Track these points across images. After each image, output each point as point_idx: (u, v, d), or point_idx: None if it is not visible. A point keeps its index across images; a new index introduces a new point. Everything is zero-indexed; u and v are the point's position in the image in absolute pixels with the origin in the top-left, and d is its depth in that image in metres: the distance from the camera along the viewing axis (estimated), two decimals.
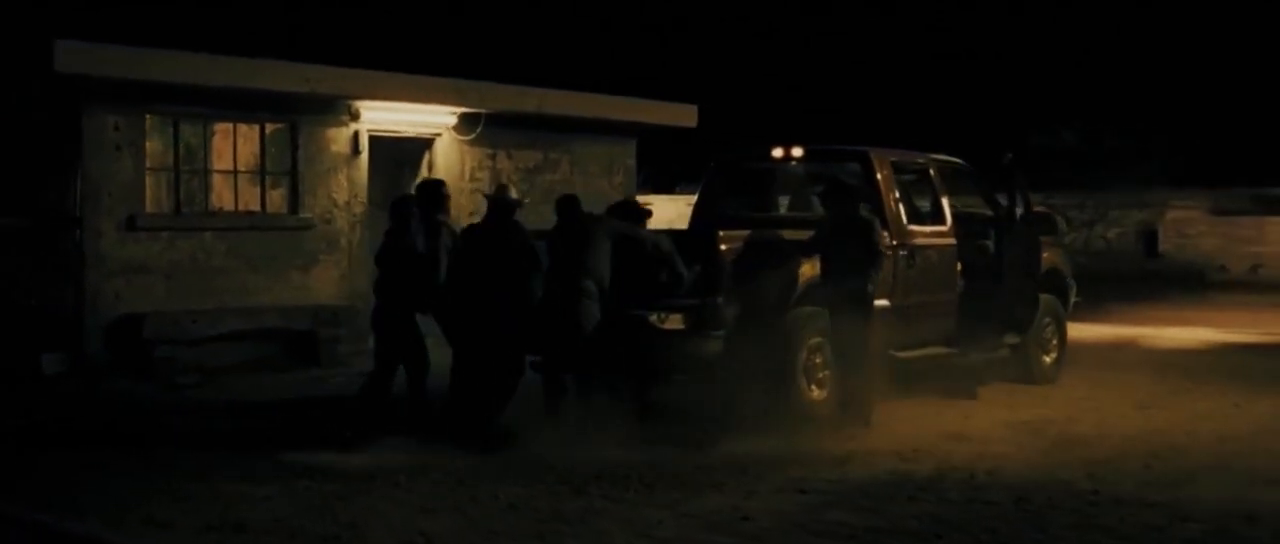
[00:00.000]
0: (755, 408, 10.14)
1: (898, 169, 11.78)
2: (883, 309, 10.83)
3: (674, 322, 9.85)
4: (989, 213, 12.62)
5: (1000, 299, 12.02)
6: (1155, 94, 45.72)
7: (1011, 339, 12.45)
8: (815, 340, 10.50)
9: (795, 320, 10.35)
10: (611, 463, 8.81)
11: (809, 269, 10.44)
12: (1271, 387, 12.73)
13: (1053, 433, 10.24)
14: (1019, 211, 12.40)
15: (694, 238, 10.52)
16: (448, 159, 15.49)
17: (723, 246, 9.91)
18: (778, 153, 12.08)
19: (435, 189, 10.33)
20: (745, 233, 10.28)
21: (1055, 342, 13.16)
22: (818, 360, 10.55)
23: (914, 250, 11.54)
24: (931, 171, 12.20)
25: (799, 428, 10.04)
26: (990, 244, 12.34)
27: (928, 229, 11.89)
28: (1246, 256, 36.27)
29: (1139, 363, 14.55)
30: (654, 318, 9.80)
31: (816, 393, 10.55)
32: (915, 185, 12.20)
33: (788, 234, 10.76)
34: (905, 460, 9.08)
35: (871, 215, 10.62)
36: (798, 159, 12.10)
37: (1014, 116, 43.10)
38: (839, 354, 10.33)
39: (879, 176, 11.49)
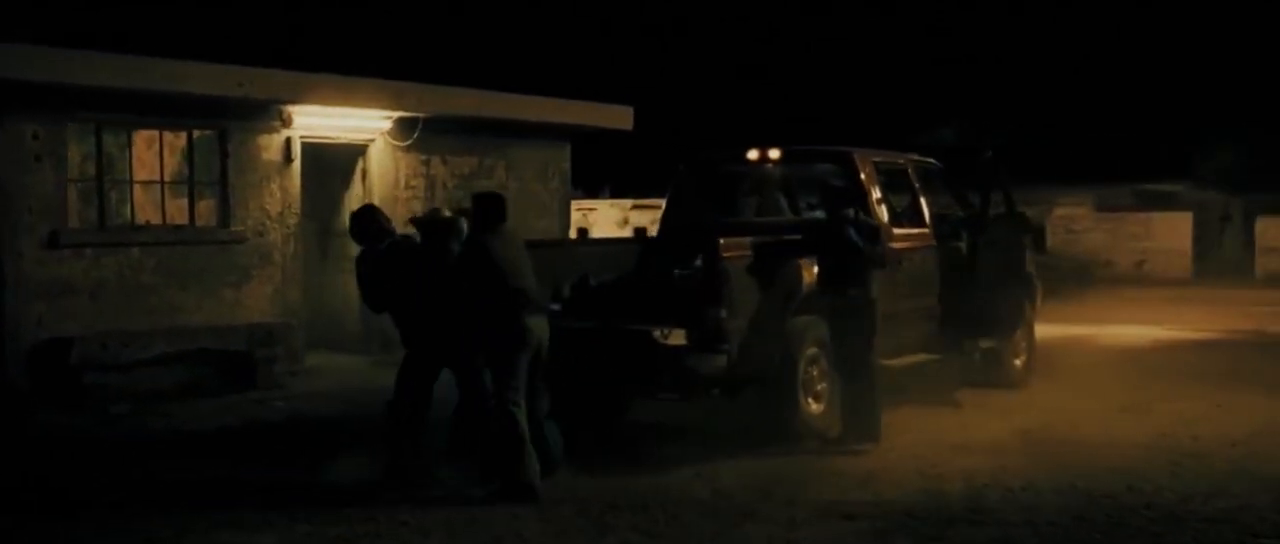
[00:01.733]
0: (756, 425, 9.69)
1: (879, 170, 11.36)
2: None
3: (676, 337, 9.25)
4: (960, 213, 12.31)
5: (982, 302, 11.67)
6: (1036, 93, 46.47)
7: (986, 343, 12.13)
8: (812, 351, 10.01)
9: (794, 331, 9.85)
10: (617, 491, 8.28)
11: (808, 276, 9.93)
12: (1238, 385, 12.69)
13: (1058, 441, 9.96)
14: (994, 211, 12.13)
15: (685, 244, 9.94)
16: (382, 166, 14.70)
17: (726, 255, 9.33)
18: (753, 154, 11.58)
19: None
20: (747, 240, 9.72)
21: (1025, 345, 12.88)
22: (815, 372, 10.07)
23: (898, 254, 11.12)
24: (910, 171, 11.81)
25: (798, 445, 9.63)
26: (963, 245, 12.01)
27: (910, 231, 11.50)
28: (1132, 252, 36.94)
29: (1096, 364, 14.40)
30: (658, 334, 9.19)
31: (814, 407, 10.07)
32: (894, 186, 11.81)
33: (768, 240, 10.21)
34: (929, 478, 8.66)
35: (870, 219, 10.17)
36: (774, 160, 11.59)
37: (896, 116, 43.44)
38: (840, 366, 9.84)
39: (863, 177, 11.06)
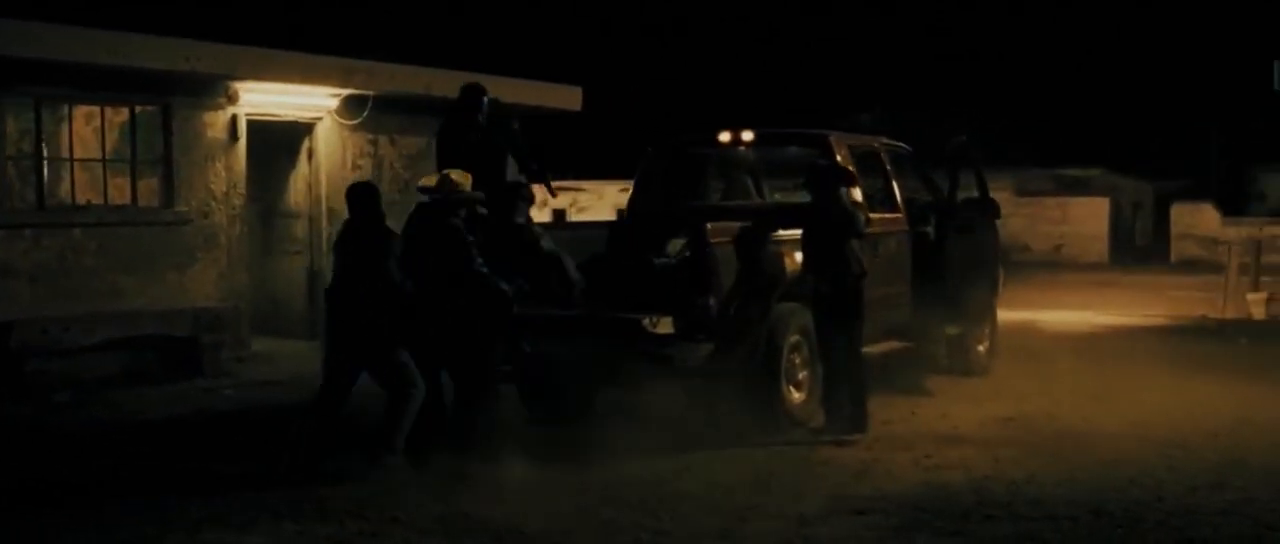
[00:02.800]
0: (737, 413, 9.46)
1: (853, 153, 11.15)
2: None
3: (664, 325, 8.97)
4: (928, 197, 12.18)
5: (955, 288, 11.55)
6: (954, 79, 46.85)
7: (954, 329, 12.03)
8: (795, 338, 9.80)
9: (778, 317, 9.61)
10: (607, 484, 7.98)
11: (791, 262, 9.70)
12: (1194, 372, 12.75)
13: (1042, 430, 9.84)
14: (963, 196, 12.02)
15: (661, 229, 9.65)
16: (329, 145, 14.23)
17: (713, 241, 9.06)
18: (725, 137, 11.31)
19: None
20: (734, 224, 9.45)
21: (988, 330, 12.80)
22: (797, 360, 9.86)
23: (874, 240, 10.92)
24: (882, 155, 11.63)
25: (780, 434, 9.43)
26: (931, 230, 11.87)
27: (884, 216, 11.31)
28: (1050, 237, 37.37)
29: (1049, 351, 14.38)
30: (647, 322, 8.90)
31: (796, 395, 9.87)
32: (867, 170, 11.60)
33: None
34: (926, 470, 8.48)
35: (855, 202, 9.95)
36: (747, 143, 11.34)
37: (816, 101, 43.55)
38: (826, 354, 9.62)
39: (838, 160, 10.82)
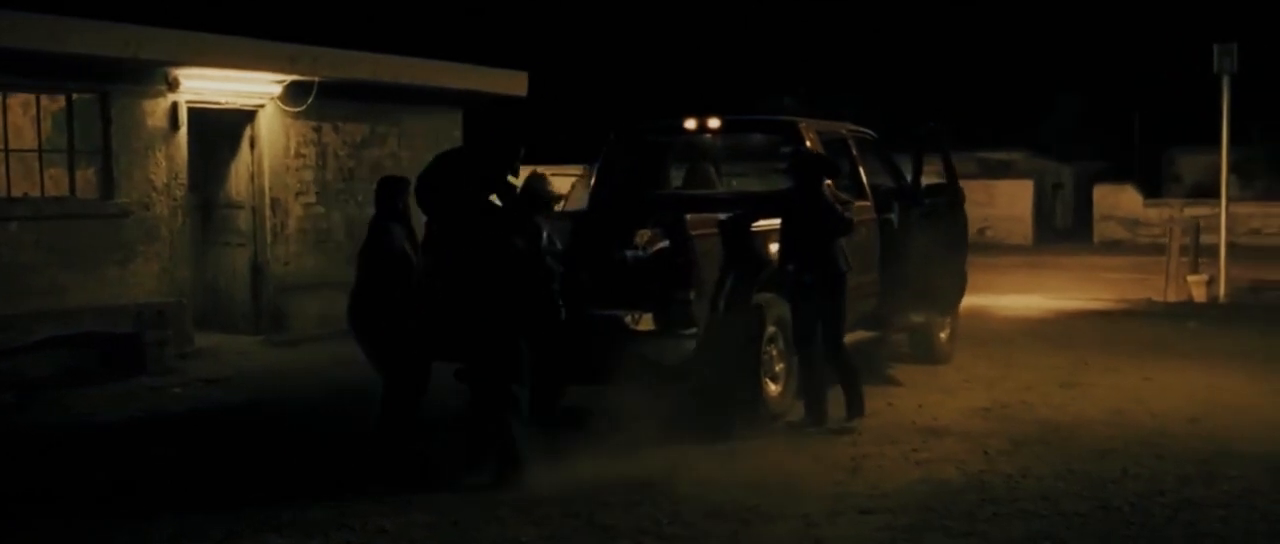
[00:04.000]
0: (717, 409, 9.23)
1: (822, 139, 10.93)
2: None
3: (645, 322, 8.70)
4: (891, 183, 12.00)
5: (920, 276, 11.39)
6: (876, 60, 47.01)
7: (918, 318, 11.88)
8: (771, 330, 9.57)
9: (757, 310, 9.38)
10: (596, 487, 7.70)
11: (770, 252, 9.47)
12: (1156, 356, 12.77)
13: (1023, 420, 9.73)
14: (928, 183, 11.85)
15: (629, 219, 9.34)
16: (272, 133, 13.76)
17: (693, 233, 8.79)
18: (691, 124, 11.04)
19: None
20: (713, 216, 9.19)
21: (950, 318, 12.67)
22: (773, 352, 9.65)
23: None
24: (849, 142, 11.43)
25: (760, 429, 9.22)
26: (894, 218, 11.69)
27: (855, 205, 11.09)
28: (975, 220, 37.45)
29: (1006, 337, 14.35)
30: (628, 318, 8.62)
31: (773, 388, 9.66)
32: (836, 158, 11.39)
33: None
34: (919, 465, 8.33)
35: (840, 197, 9.73)
36: (713, 130, 11.07)
37: (739, 83, 43.52)
38: (804, 344, 9.39)
39: (819, 150, 10.62)
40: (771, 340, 9.61)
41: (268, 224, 13.75)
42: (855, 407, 9.39)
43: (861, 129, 11.95)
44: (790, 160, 9.55)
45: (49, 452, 9.09)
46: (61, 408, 10.45)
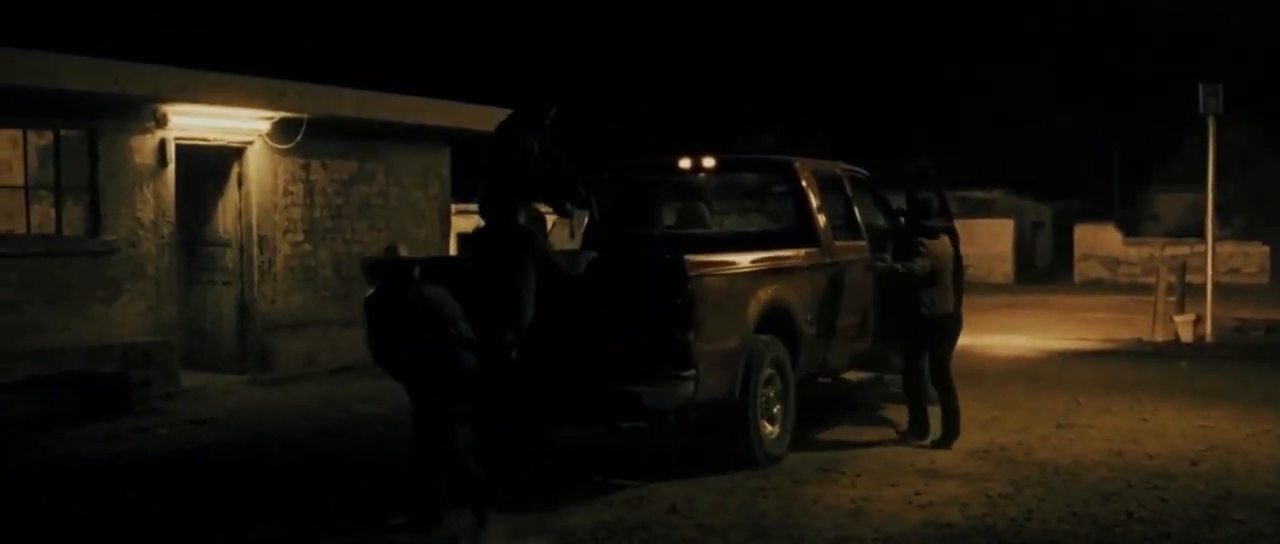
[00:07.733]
0: (709, 449, 9.14)
1: (818, 178, 10.89)
2: (811, 335, 10.05)
3: (643, 364, 8.57)
4: (883, 222, 11.97)
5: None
6: (855, 99, 47.18)
7: None
8: (769, 372, 9.49)
9: (754, 352, 9.29)
10: (594, 527, 7.65)
11: (763, 295, 9.38)
12: (1150, 397, 12.70)
13: (1021, 462, 9.63)
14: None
15: (639, 264, 9.26)
16: (260, 171, 13.65)
17: (693, 275, 8.68)
18: (686, 162, 10.98)
19: None
20: (717, 258, 9.10)
21: None
22: (770, 394, 9.56)
23: (840, 267, 10.69)
24: (844, 181, 11.38)
25: (755, 469, 9.14)
26: (887, 257, 11.63)
27: (849, 244, 11.06)
28: None
29: (998, 376, 14.32)
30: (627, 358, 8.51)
31: (769, 429, 9.56)
32: (831, 196, 11.35)
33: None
34: (922, 508, 8.22)
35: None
36: (709, 169, 11.00)
37: (718, 121, 43.56)
38: (913, 376, 10.45)
39: (805, 186, 10.59)
40: (769, 382, 9.53)
41: (255, 262, 13.62)
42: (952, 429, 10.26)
43: (855, 168, 11.90)
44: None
45: (26, 494, 8.90)
46: (42, 448, 10.27)
